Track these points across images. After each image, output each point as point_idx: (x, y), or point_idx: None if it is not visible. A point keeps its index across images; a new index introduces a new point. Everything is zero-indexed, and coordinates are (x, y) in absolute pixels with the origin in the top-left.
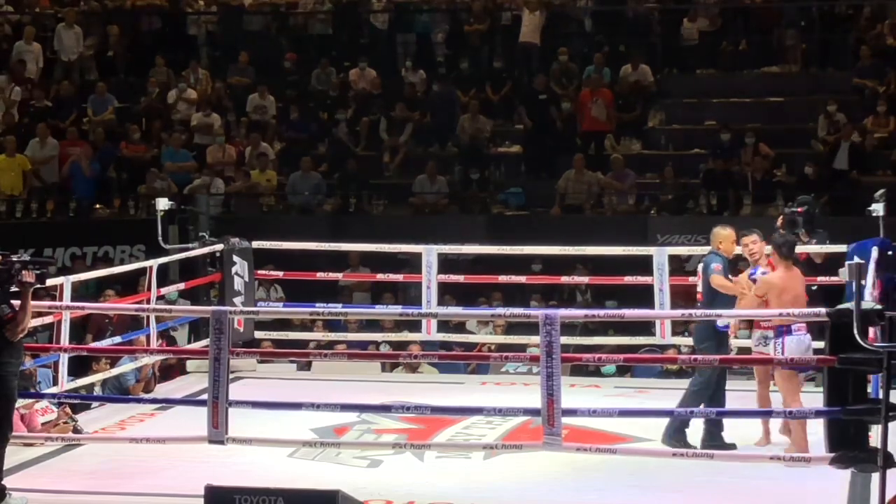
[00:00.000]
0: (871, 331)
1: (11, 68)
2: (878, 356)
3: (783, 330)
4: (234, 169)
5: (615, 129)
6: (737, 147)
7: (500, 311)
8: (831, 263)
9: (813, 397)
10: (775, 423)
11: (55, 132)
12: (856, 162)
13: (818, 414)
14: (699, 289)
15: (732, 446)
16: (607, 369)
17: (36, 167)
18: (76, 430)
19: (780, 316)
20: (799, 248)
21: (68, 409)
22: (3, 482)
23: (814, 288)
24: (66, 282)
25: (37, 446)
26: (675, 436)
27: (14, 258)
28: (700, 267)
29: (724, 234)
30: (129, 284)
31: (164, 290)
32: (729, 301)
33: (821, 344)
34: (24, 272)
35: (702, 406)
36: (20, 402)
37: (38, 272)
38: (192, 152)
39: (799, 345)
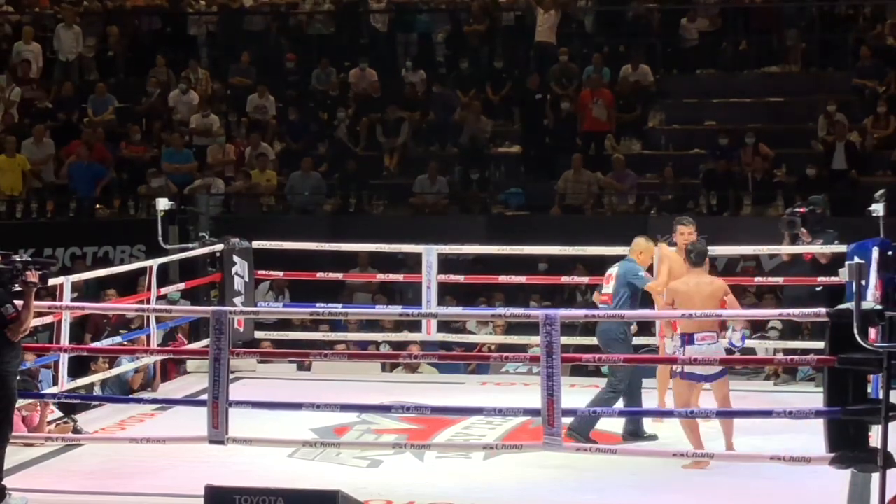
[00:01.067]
0: (871, 331)
1: (12, 68)
2: (878, 356)
3: (685, 339)
4: (234, 169)
5: (615, 129)
6: (737, 147)
7: (500, 311)
8: (836, 263)
9: (813, 397)
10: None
11: (55, 132)
12: (853, 162)
13: (818, 414)
14: (607, 291)
15: (654, 437)
16: (607, 369)
17: (34, 168)
18: (76, 430)
19: (779, 316)
20: (801, 249)
21: (52, 408)
22: (3, 482)
23: (818, 289)
24: (66, 282)
25: (37, 446)
26: (632, 432)
27: (16, 258)
28: (614, 270)
29: (647, 245)
30: (128, 285)
31: (164, 290)
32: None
33: (820, 344)
34: (27, 272)
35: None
36: (21, 402)
37: (41, 272)
38: (192, 152)
39: (698, 354)
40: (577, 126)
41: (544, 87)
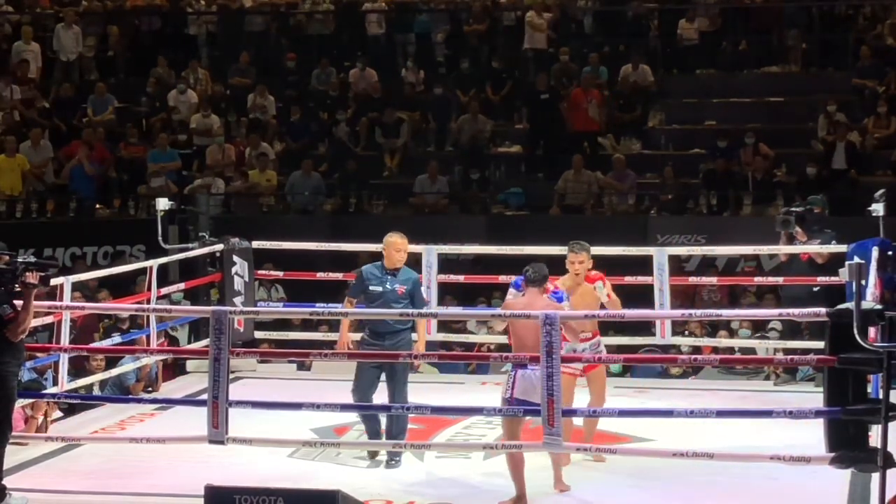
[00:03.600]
0: (871, 331)
1: (12, 68)
2: (878, 356)
3: (515, 366)
4: (234, 169)
5: (607, 129)
6: (737, 147)
7: (501, 311)
8: (835, 263)
9: (813, 397)
10: None
11: (55, 132)
12: (853, 162)
13: (818, 414)
14: None
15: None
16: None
17: (34, 171)
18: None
19: (779, 316)
20: (800, 249)
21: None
22: (2, 482)
23: (816, 289)
24: (66, 282)
25: (37, 446)
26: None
27: (19, 259)
28: None
29: (388, 240)
30: (125, 285)
31: (164, 290)
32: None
33: (820, 344)
34: (27, 273)
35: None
36: (22, 402)
37: (42, 274)
38: (189, 152)
39: (527, 381)
40: (567, 126)
41: (528, 89)
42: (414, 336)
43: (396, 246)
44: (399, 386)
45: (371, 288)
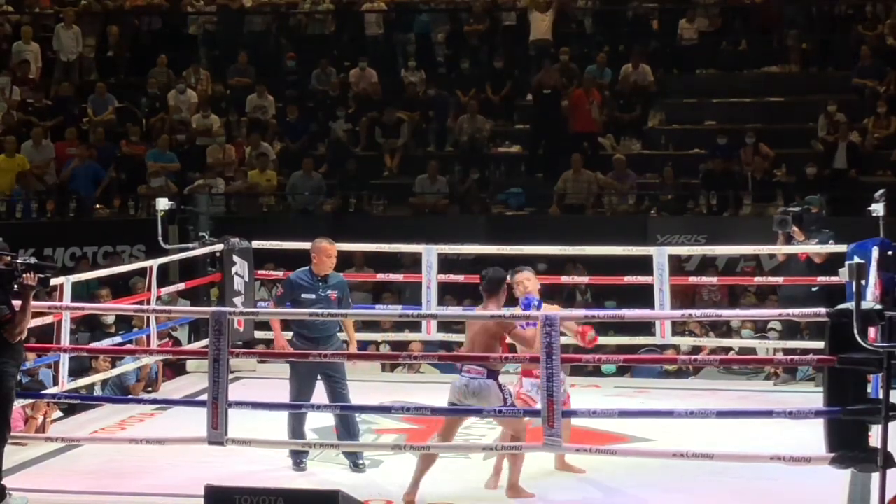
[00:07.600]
0: (871, 331)
1: (12, 69)
2: (878, 356)
3: (459, 369)
4: (234, 169)
5: (607, 129)
6: (737, 147)
7: (500, 311)
8: (832, 263)
9: (813, 397)
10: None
11: (54, 132)
12: (854, 162)
13: (818, 414)
14: None
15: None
16: (607, 369)
17: (35, 171)
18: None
19: (779, 316)
20: (798, 248)
21: (44, 408)
22: (2, 482)
23: (814, 289)
24: (67, 282)
25: (37, 446)
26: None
27: (19, 260)
28: None
29: (318, 246)
30: (124, 285)
31: (162, 291)
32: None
33: (820, 344)
34: (25, 275)
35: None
36: (21, 403)
37: (40, 276)
38: (189, 152)
39: (461, 388)
40: (568, 126)
41: (532, 87)
42: (343, 337)
43: (327, 252)
44: (339, 386)
45: (304, 296)
